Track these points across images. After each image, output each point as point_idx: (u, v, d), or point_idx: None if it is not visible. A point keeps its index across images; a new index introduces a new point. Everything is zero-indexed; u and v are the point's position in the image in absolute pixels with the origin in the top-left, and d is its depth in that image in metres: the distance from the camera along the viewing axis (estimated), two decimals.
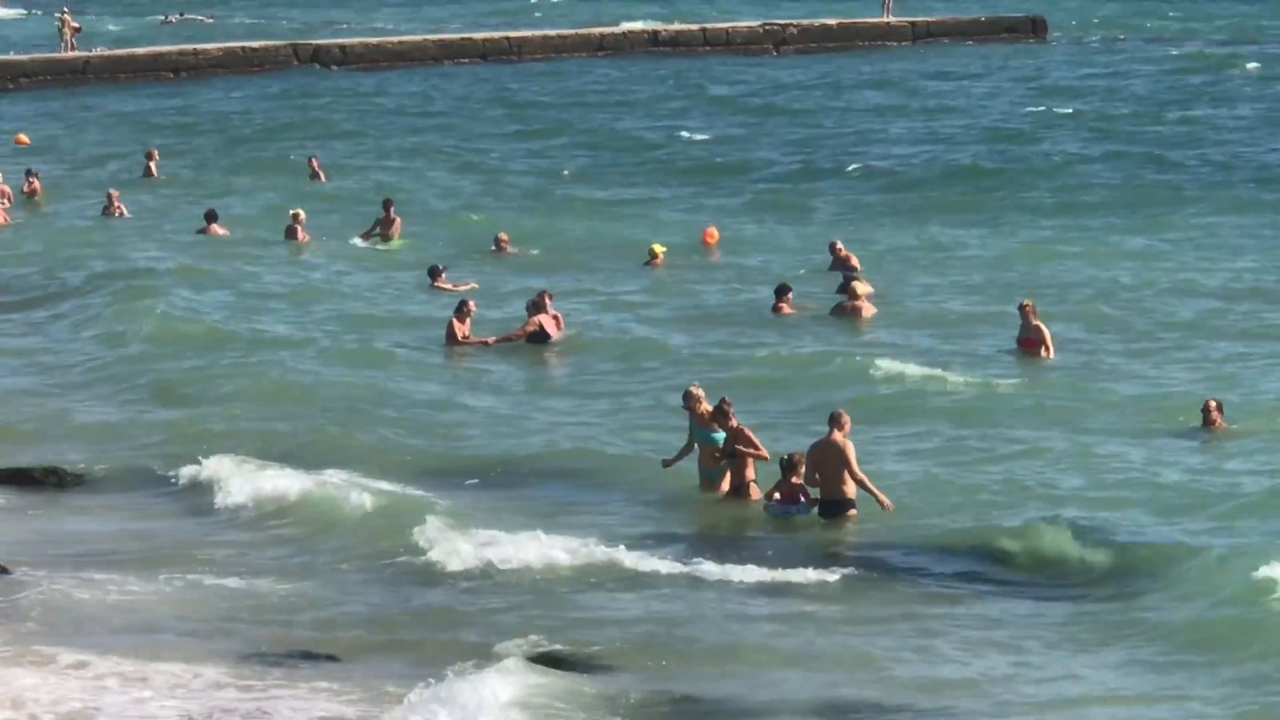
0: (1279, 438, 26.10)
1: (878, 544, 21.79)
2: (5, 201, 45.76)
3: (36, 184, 47.35)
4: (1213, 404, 26.43)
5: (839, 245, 38.01)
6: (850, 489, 21.88)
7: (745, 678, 18.13)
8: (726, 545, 21.69)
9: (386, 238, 41.02)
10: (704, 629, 19.38)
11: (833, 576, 20.56)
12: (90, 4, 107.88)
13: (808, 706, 17.79)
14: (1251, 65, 74.25)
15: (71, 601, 19.52)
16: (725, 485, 23.58)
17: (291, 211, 41.47)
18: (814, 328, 32.57)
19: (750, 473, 23.36)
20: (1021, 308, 31.02)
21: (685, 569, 20.48)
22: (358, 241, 40.60)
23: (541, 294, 31.67)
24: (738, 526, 22.48)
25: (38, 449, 25.79)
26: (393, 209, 41.10)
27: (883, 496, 21.91)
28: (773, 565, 20.44)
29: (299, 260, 39.47)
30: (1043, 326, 30.47)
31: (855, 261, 37.19)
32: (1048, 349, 30.06)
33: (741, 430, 23.58)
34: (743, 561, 20.58)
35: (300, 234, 40.71)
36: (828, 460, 21.92)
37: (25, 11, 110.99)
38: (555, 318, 31.23)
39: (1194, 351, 30.89)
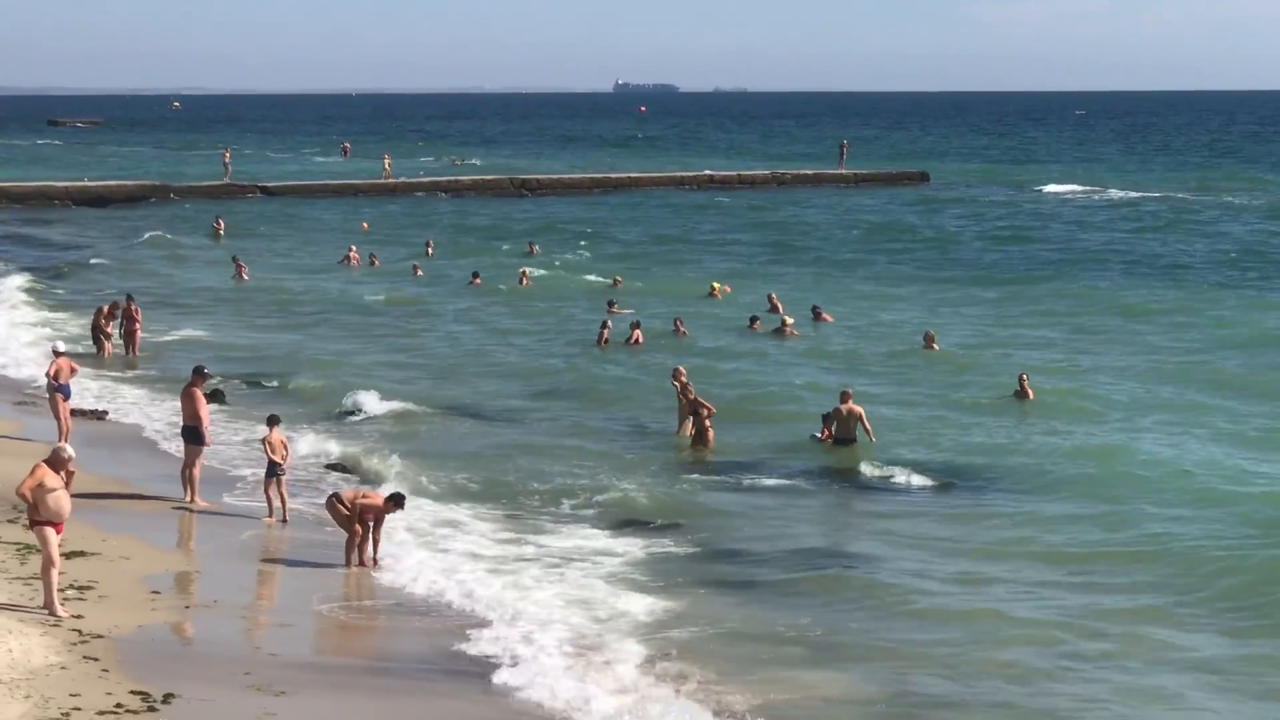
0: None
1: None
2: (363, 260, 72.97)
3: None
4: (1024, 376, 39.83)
5: (773, 296, 57.26)
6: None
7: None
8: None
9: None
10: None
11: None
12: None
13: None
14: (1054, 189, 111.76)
15: None
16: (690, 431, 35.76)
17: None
18: (773, 340, 50.53)
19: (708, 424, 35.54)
20: (926, 335, 47.33)
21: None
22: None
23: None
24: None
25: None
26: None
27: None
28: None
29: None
30: (934, 342, 46.98)
31: (779, 306, 55.31)
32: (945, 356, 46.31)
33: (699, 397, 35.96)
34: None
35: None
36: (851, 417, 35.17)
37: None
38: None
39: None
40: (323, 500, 28.16)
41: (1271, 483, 31.63)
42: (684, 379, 36.96)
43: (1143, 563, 26.98)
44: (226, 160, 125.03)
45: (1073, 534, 28.86)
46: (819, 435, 36.53)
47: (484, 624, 23.33)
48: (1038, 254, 78.10)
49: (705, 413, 35.85)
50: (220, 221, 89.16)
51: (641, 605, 24.38)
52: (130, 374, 45.75)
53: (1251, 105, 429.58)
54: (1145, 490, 31.47)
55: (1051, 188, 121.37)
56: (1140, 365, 46.43)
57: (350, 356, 48.85)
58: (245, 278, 67.30)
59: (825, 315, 55.05)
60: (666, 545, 28.21)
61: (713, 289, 59.65)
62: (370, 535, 26.63)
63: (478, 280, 65.76)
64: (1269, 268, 71.38)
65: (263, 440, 29.91)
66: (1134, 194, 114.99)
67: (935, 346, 47.16)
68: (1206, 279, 67.21)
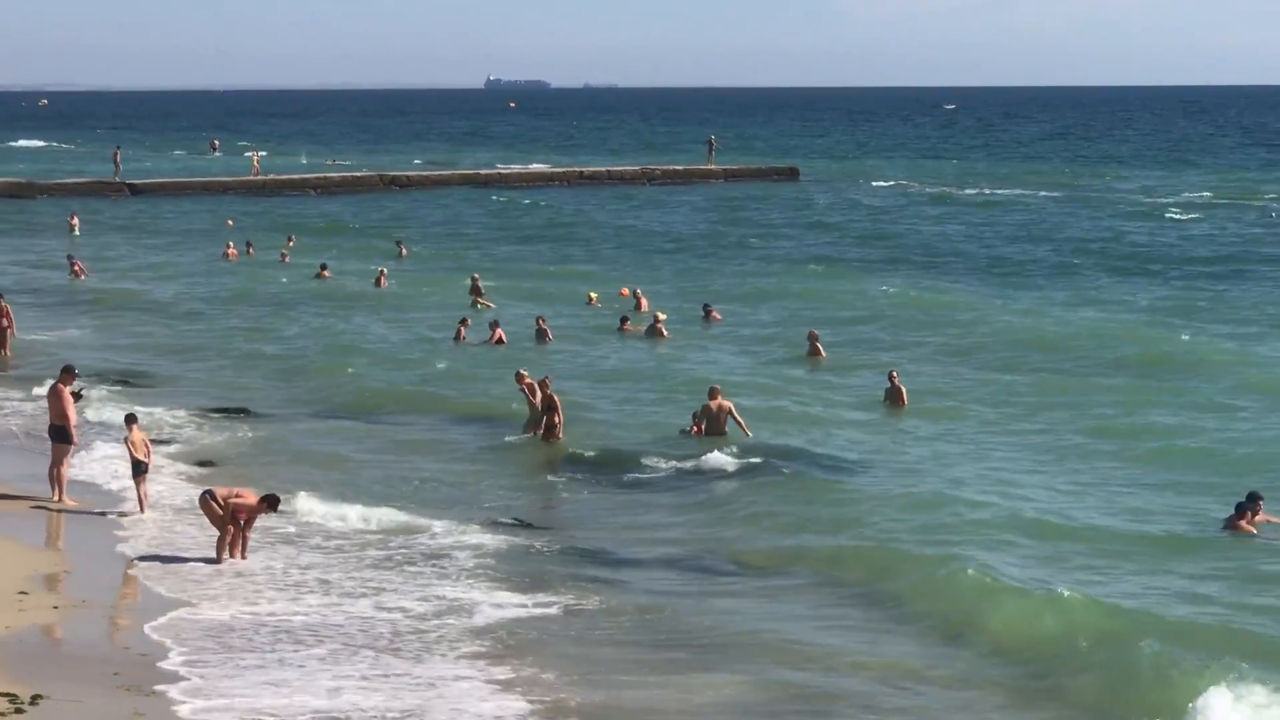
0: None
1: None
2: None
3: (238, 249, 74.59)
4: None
5: (636, 290, 58.09)
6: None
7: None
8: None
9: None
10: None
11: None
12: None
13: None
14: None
15: None
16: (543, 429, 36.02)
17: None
18: (645, 340, 50.62)
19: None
20: (810, 336, 47.47)
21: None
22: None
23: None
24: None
25: None
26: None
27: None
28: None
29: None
30: (821, 349, 46.87)
31: (645, 302, 55.82)
32: (823, 355, 46.84)
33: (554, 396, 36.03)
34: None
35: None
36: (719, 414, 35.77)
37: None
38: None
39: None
40: (195, 498, 28.03)
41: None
42: (529, 380, 37.12)
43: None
44: (117, 159, 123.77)
45: (935, 519, 28.86)
46: (688, 430, 36.60)
47: (331, 626, 23.22)
48: (899, 250, 79.41)
49: (556, 413, 36.06)
50: (75, 219, 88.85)
51: (493, 601, 24.47)
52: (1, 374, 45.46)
53: (1120, 100, 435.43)
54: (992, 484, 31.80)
55: (924, 186, 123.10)
56: (1005, 364, 47.02)
57: (206, 353, 49.29)
58: (82, 276, 66.92)
59: (715, 314, 55.34)
60: (523, 542, 28.27)
61: (590, 298, 59.17)
62: (241, 534, 26.47)
63: (326, 274, 66.17)
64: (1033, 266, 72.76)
65: (124, 439, 29.71)
66: (987, 191, 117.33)
67: (819, 346, 47.52)
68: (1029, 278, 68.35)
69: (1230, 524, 28.04)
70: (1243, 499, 28.35)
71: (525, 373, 37.83)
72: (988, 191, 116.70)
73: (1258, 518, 28.15)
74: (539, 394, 36.62)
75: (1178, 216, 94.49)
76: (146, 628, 22.95)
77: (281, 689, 20.43)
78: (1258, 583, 24.86)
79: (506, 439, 37.11)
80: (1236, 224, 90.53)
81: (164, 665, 21.15)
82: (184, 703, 19.78)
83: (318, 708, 19.81)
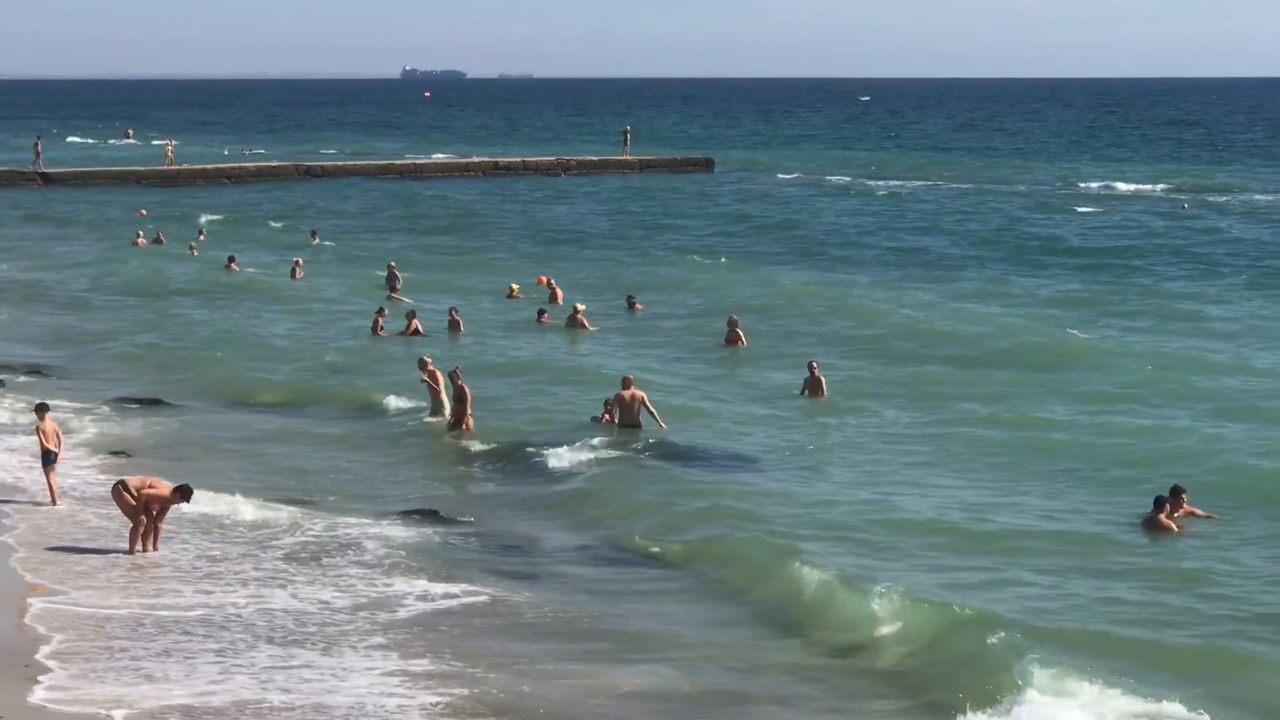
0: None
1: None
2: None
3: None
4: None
5: (551, 281, 58.15)
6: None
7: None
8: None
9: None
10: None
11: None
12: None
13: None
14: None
15: None
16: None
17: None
18: (563, 331, 50.54)
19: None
20: (730, 322, 47.76)
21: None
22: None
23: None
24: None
25: None
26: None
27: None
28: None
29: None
30: (741, 333, 47.07)
31: (560, 293, 56.14)
32: (742, 341, 47.04)
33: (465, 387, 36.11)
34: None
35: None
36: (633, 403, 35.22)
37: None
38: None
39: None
40: (108, 488, 27.92)
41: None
42: (431, 367, 37.19)
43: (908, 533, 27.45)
44: (38, 149, 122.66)
45: (853, 511, 28.99)
46: (599, 418, 36.69)
47: (233, 618, 23.19)
48: (807, 241, 79.79)
49: (466, 404, 36.10)
50: None
51: (404, 592, 24.50)
52: None
53: (1031, 93, 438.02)
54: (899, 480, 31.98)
55: (834, 177, 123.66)
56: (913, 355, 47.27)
57: (116, 343, 49.17)
58: None
59: (638, 305, 55.43)
60: (433, 533, 28.30)
61: (511, 290, 59.08)
62: (153, 524, 26.47)
63: (234, 266, 65.88)
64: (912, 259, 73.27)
65: (36, 428, 29.65)
66: (894, 182, 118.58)
67: (739, 332, 47.69)
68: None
69: (1149, 520, 28.03)
70: (1166, 493, 28.48)
71: (429, 360, 37.80)
72: (895, 183, 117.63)
73: (1180, 512, 28.27)
74: (441, 382, 36.64)
75: (1084, 210, 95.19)
76: (28, 617, 22.80)
77: (158, 682, 20.29)
78: (1127, 579, 24.82)
79: (415, 428, 37.16)
80: (1144, 216, 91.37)
81: (38, 656, 21.00)
82: (42, 691, 19.63)
83: (185, 700, 19.63)
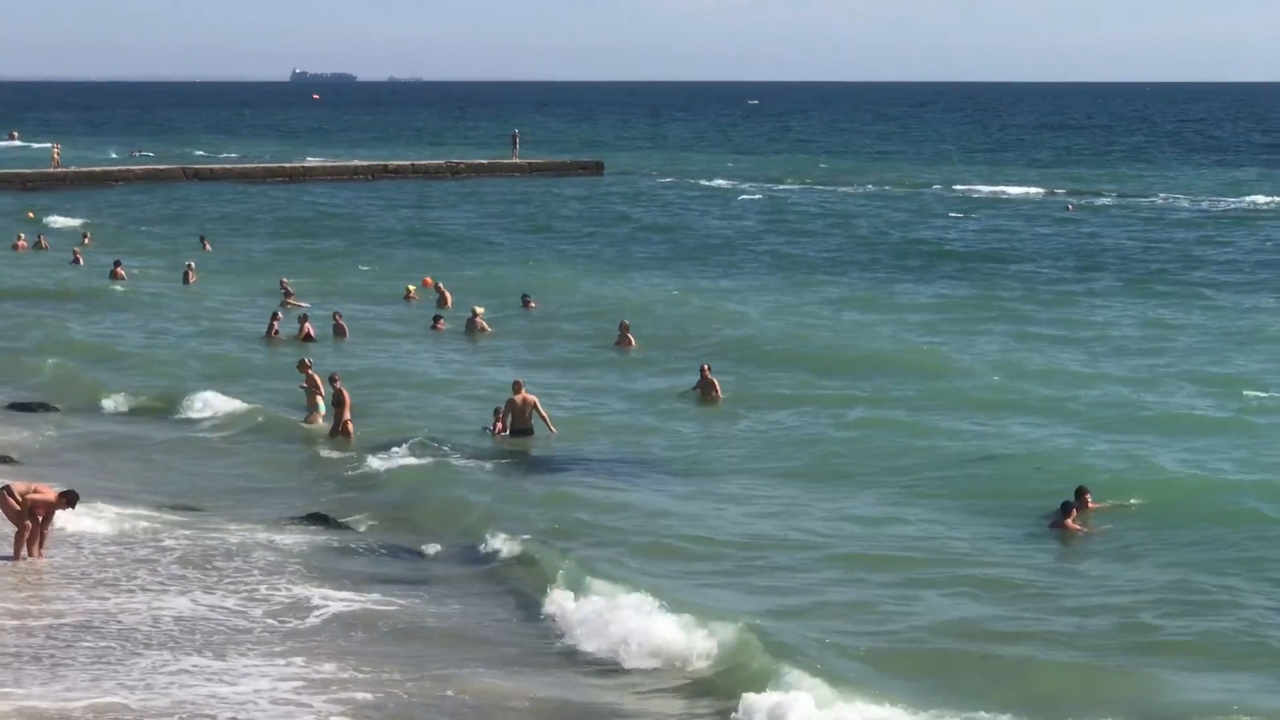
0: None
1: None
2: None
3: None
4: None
5: (439, 285, 58.00)
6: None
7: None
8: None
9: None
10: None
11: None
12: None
13: None
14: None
15: None
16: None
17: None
18: (463, 335, 50.62)
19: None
20: (621, 326, 48.19)
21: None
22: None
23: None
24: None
25: None
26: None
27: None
28: None
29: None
30: (632, 338, 47.59)
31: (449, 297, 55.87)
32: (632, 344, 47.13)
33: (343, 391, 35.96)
34: None
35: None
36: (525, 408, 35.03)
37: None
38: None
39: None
40: None
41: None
42: (310, 370, 37.07)
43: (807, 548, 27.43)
44: None
45: (748, 518, 29.04)
46: (491, 429, 36.39)
47: (117, 625, 23.04)
48: (690, 245, 79.97)
49: (346, 409, 35.91)
50: None
51: (288, 598, 24.42)
52: None
53: (917, 95, 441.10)
54: (815, 476, 32.24)
55: (719, 181, 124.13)
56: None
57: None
58: None
59: (532, 303, 55.56)
60: (318, 539, 28.23)
61: (409, 292, 59.02)
62: (39, 530, 26.41)
63: (120, 271, 64.90)
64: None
65: None
66: (779, 186, 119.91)
67: (630, 336, 47.85)
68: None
69: (1056, 524, 28.28)
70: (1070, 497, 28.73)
71: (309, 361, 37.82)
72: (779, 187, 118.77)
73: (1089, 508, 28.70)
74: (321, 386, 36.62)
75: (958, 214, 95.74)
76: None
77: (25, 685, 20.12)
78: (938, 588, 24.78)
79: (297, 434, 37.13)
80: (1024, 219, 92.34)
81: None
82: None
83: (41, 708, 19.38)
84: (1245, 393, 40.32)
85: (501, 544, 27.48)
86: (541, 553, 26.75)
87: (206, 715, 19.39)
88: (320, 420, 37.24)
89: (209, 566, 26.21)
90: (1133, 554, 26.77)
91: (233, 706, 19.73)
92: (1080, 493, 29.01)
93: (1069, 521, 28.30)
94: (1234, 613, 23.23)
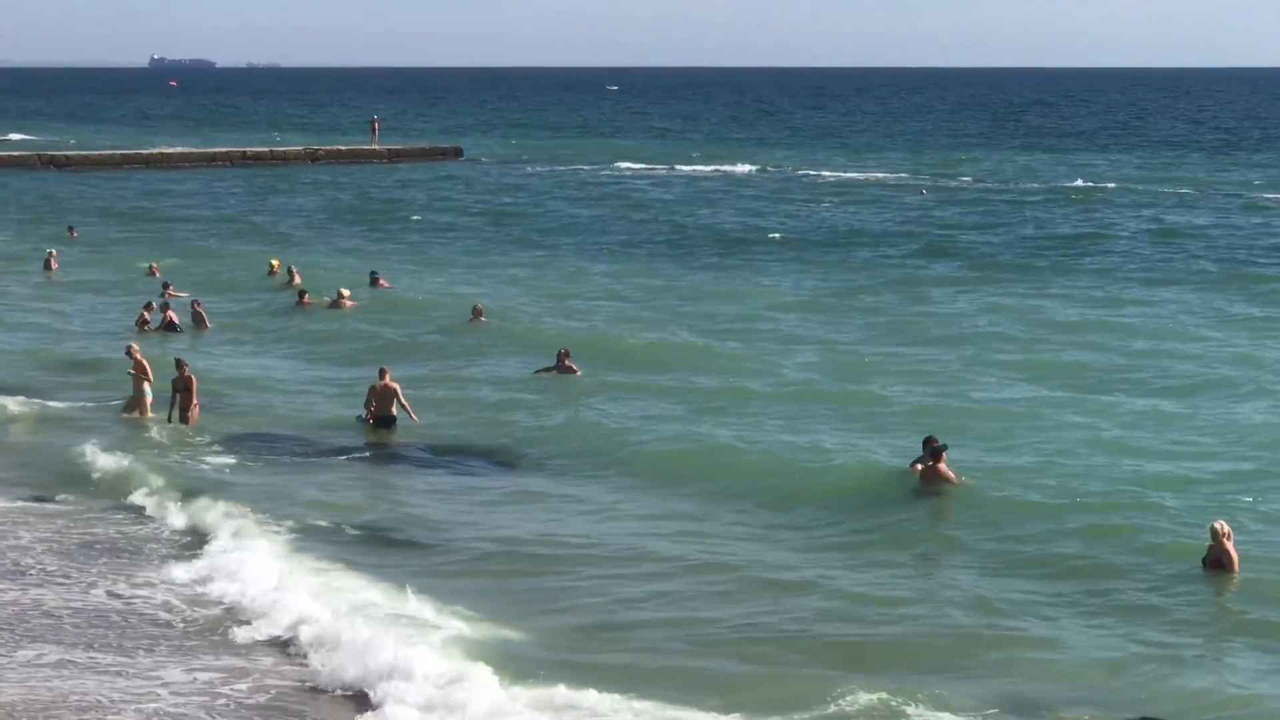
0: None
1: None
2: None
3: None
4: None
5: (290, 268, 57.68)
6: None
7: None
8: None
9: None
10: None
11: None
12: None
13: None
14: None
15: None
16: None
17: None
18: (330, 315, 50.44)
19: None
20: (475, 310, 47.76)
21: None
22: None
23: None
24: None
25: None
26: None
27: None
28: None
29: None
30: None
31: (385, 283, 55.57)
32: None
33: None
34: None
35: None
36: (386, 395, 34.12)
37: None
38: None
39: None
40: None
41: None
42: (139, 356, 36.37)
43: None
44: None
45: (628, 507, 28.86)
46: (363, 417, 35.50)
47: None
48: (541, 230, 79.72)
49: (191, 394, 35.30)
50: None
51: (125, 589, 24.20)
52: None
53: (766, 81, 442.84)
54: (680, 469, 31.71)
55: (578, 166, 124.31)
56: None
57: None
58: None
59: (382, 281, 55.52)
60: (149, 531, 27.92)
61: (271, 267, 58.61)
62: None
63: None
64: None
65: None
66: (634, 166, 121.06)
67: (483, 319, 47.73)
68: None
69: (928, 471, 28.20)
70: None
71: (135, 346, 37.25)
72: (636, 166, 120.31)
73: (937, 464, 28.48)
74: (148, 371, 35.97)
75: (812, 201, 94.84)
76: None
77: None
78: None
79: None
80: (879, 204, 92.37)
81: None
82: None
83: None
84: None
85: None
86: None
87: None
88: (149, 411, 36.32)
89: (74, 557, 25.98)
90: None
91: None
92: (937, 452, 28.39)
93: (942, 466, 28.14)
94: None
